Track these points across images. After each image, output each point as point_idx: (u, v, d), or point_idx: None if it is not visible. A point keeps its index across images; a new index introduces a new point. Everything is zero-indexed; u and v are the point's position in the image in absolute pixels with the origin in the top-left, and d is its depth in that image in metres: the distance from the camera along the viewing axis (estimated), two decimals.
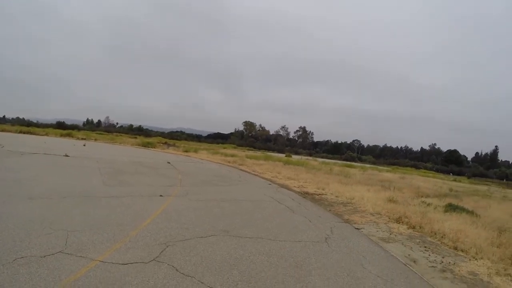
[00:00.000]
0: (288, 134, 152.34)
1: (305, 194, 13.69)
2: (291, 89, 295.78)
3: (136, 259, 4.84)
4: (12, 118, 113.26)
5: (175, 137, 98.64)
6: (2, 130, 45.46)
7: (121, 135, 69.45)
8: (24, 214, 6.51)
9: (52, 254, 4.68)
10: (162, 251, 5.24)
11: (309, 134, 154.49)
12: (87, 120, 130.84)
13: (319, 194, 14.11)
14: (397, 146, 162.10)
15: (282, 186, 15.92)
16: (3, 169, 11.86)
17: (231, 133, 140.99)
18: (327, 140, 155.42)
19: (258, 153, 51.45)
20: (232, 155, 36.78)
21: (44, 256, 4.57)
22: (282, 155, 56.78)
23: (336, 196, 13.77)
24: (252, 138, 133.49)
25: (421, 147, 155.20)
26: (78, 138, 44.41)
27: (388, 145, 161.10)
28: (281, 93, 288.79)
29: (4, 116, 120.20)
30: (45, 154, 18.83)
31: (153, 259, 4.89)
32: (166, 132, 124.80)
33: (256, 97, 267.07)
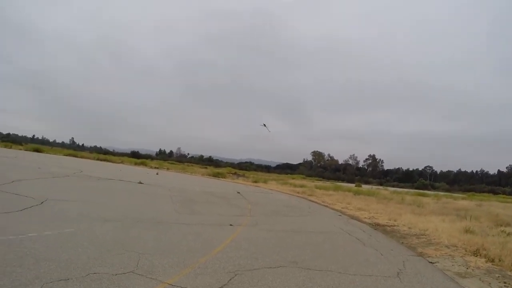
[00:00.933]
0: (357, 163, 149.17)
1: (376, 226, 13.37)
2: (358, 116, 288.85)
3: (204, 285, 4.79)
4: (90, 147, 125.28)
5: (244, 167, 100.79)
6: (81, 157, 50.48)
7: (192, 165, 73.00)
8: (98, 234, 6.96)
9: (123, 273, 4.83)
10: (230, 279, 5.15)
11: (378, 162, 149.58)
12: (160, 150, 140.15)
13: (391, 225, 13.72)
14: (472, 170, 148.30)
15: (353, 217, 15.53)
16: (81, 192, 13.00)
17: (300, 163, 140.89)
18: (398, 168, 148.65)
19: (328, 184, 50.47)
20: (301, 186, 36.72)
21: (116, 275, 4.72)
22: (352, 185, 54.91)
23: (409, 228, 13.22)
24: (321, 168, 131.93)
25: (498, 170, 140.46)
26: (151, 167, 47.58)
27: (463, 169, 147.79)
28: (348, 121, 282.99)
29: (83, 144, 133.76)
30: (120, 180, 20.34)
31: (221, 287, 4.82)
32: (235, 162, 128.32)
33: (323, 126, 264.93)
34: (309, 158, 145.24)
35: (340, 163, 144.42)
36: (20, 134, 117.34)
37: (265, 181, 40.15)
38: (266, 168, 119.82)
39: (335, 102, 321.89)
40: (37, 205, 9.17)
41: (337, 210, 17.80)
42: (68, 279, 4.38)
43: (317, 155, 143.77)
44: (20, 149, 51.16)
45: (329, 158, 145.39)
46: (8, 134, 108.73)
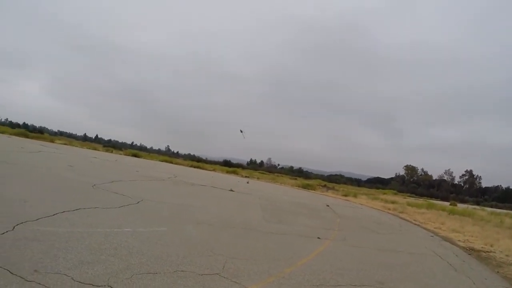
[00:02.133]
0: (452, 179, 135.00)
1: (470, 250, 12.25)
2: (454, 127, 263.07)
3: None
4: (184, 154, 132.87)
5: (334, 180, 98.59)
6: (176, 163, 54.17)
7: (281, 176, 73.56)
8: (189, 235, 7.38)
9: (209, 274, 5.01)
10: None
11: (476, 178, 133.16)
12: (251, 160, 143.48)
13: (487, 251, 12.40)
14: None
15: (445, 239, 14.31)
16: (175, 195, 13.93)
17: (392, 178, 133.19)
18: (497, 186, 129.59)
19: (420, 201, 46.65)
20: (393, 202, 34.96)
21: (202, 275, 4.92)
22: (446, 203, 49.85)
23: (506, 255, 11.82)
24: (414, 184, 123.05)
25: None
26: (242, 176, 49.07)
27: None
28: (443, 132, 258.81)
29: (177, 152, 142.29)
30: (212, 187, 21.34)
31: None
32: (325, 175, 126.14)
33: (416, 138, 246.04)
34: (401, 172, 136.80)
35: (434, 178, 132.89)
36: (120, 141, 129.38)
37: (355, 195, 38.94)
38: (356, 182, 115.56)
39: (429, 112, 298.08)
40: (133, 204, 10.04)
41: (429, 230, 16.63)
42: (156, 273, 4.70)
43: (409, 169, 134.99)
44: (120, 154, 56.57)
45: (423, 173, 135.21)
46: (110, 140, 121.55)
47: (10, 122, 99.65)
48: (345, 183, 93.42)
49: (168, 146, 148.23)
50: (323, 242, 9.27)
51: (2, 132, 47.86)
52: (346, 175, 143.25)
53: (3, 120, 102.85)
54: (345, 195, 38.35)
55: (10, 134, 48.26)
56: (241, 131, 44.43)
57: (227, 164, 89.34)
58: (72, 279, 4.06)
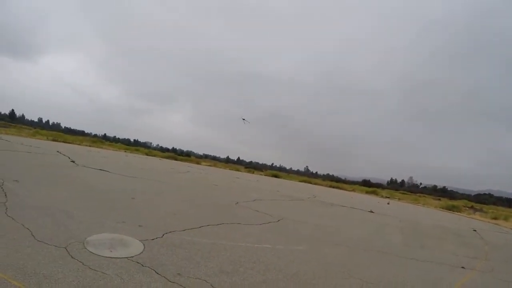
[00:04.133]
0: None
1: None
2: None
3: None
4: (323, 174, 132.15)
5: (482, 200, 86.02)
6: (315, 184, 54.76)
7: (424, 196, 67.78)
8: (326, 256, 7.61)
9: None
10: None
11: None
12: (391, 179, 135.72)
13: None
14: None
15: None
16: (314, 215, 14.38)
17: None
18: None
19: None
20: None
21: None
22: None
23: None
24: None
25: None
26: (382, 196, 47.02)
27: None
28: None
29: (316, 172, 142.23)
30: (351, 207, 21.14)
31: None
32: (472, 194, 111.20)
33: None
34: None
35: None
36: (260, 162, 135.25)
37: (506, 218, 33.51)
38: (508, 202, 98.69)
39: None
40: (273, 222, 10.80)
41: None
42: None
43: None
44: (261, 174, 59.58)
45: None
46: (251, 162, 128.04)
47: (161, 147, 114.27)
48: (495, 204, 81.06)
49: (307, 166, 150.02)
50: (468, 273, 8.43)
51: (154, 155, 55.28)
52: (496, 194, 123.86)
53: (154, 145, 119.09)
54: (495, 218, 33.43)
55: (161, 157, 55.54)
56: (243, 120, 43.97)
57: (366, 184, 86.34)
58: (211, 285, 4.67)
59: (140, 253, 5.41)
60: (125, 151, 52.19)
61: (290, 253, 7.20)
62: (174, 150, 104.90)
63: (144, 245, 5.85)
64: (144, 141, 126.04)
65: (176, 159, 56.72)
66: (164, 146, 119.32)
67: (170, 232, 7.06)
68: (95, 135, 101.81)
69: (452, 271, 8.41)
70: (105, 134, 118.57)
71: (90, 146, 47.09)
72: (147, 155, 55.26)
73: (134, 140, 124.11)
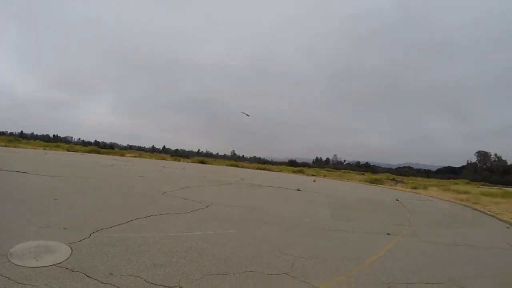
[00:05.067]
0: None
1: None
2: None
3: None
4: (250, 157, 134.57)
5: (403, 173, 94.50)
6: (242, 167, 55.62)
7: (348, 172, 72.10)
8: (257, 236, 7.54)
9: (278, 274, 5.11)
10: None
11: None
12: (316, 158, 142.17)
13: None
14: None
15: None
16: (243, 198, 14.38)
17: (463, 167, 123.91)
18: None
19: (495, 189, 42.70)
20: (465, 192, 32.50)
21: (270, 274, 5.04)
22: None
23: None
24: (487, 171, 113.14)
25: None
26: (308, 175, 48.98)
27: None
28: None
29: (243, 156, 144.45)
30: (279, 187, 21.57)
31: None
32: (393, 168, 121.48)
33: (488, 122, 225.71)
34: (473, 159, 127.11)
35: (509, 164, 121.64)
36: (187, 149, 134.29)
37: (425, 188, 37.01)
38: (425, 173, 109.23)
39: (500, 91, 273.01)
40: (202, 208, 10.54)
41: (505, 222, 15.17)
42: (226, 274, 4.91)
43: (482, 155, 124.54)
44: (188, 162, 59.14)
45: (496, 159, 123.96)
46: (177, 150, 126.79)
47: (83, 141, 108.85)
48: (414, 175, 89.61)
49: (233, 151, 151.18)
50: (393, 239, 8.95)
51: (75, 151, 52.37)
52: (415, 167, 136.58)
53: (75, 140, 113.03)
54: (415, 188, 36.70)
55: (84, 152, 52.84)
56: (245, 113, 46.71)
57: (292, 164, 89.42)
58: (145, 281, 4.38)
59: (68, 258, 4.88)
60: (45, 149, 48.92)
61: (222, 238, 7.04)
62: (96, 143, 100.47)
63: (71, 248, 5.28)
64: (64, 136, 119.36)
65: (99, 153, 54.48)
66: (86, 139, 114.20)
67: (98, 231, 6.48)
68: (12, 134, 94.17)
69: (378, 239, 8.85)
70: (21, 131, 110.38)
71: (6, 146, 43.21)
72: (69, 150, 52.48)
73: (54, 135, 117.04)
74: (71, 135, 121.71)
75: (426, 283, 5.56)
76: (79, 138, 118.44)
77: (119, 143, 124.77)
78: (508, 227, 13.57)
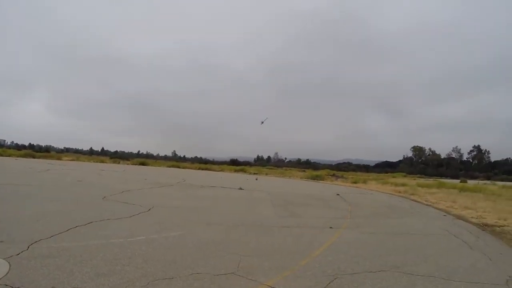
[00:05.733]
0: (461, 156, 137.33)
1: (484, 226, 12.12)
2: (459, 103, 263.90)
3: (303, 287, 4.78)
4: (192, 158, 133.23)
5: (343, 168, 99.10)
6: (184, 168, 54.77)
7: (290, 169, 73.99)
8: (202, 238, 7.39)
9: (225, 274, 5.04)
10: (329, 283, 5.03)
11: (484, 153, 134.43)
12: (258, 156, 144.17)
13: (501, 225, 12.27)
14: None
15: (458, 217, 14.27)
16: (185, 199, 14.15)
17: (400, 161, 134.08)
18: (507, 159, 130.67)
19: (430, 181, 46.48)
20: (403, 184, 35.23)
21: (217, 275, 4.95)
22: (456, 181, 49.62)
23: None
24: (423, 164, 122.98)
25: None
26: (250, 173, 49.40)
27: None
28: (448, 110, 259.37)
29: (184, 156, 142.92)
30: (221, 187, 21.50)
31: None
32: (333, 164, 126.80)
33: (422, 118, 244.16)
34: (409, 154, 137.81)
35: (442, 157, 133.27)
36: (126, 151, 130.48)
37: (364, 182, 39.09)
38: (365, 168, 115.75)
39: (432, 91, 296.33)
40: (144, 212, 10.16)
41: (441, 210, 16.59)
42: (172, 278, 4.75)
43: (417, 150, 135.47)
44: (128, 164, 57.28)
45: (431, 153, 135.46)
46: (116, 152, 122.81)
47: (16, 144, 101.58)
48: (354, 170, 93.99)
49: (174, 151, 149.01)
50: (336, 232, 9.27)
51: (9, 155, 48.69)
52: (355, 162, 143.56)
53: (8, 143, 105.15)
54: (355, 182, 38.50)
55: (17, 156, 49.35)
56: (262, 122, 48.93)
57: (234, 163, 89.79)
58: None
59: (7, 273, 4.39)
60: None
61: (166, 241, 6.82)
62: (31, 147, 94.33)
63: (9, 263, 4.78)
64: None
65: (34, 157, 51.37)
66: (20, 143, 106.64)
67: (36, 242, 5.94)
68: None
69: (322, 232, 9.12)
70: None
71: None
72: (1, 155, 48.99)
73: None
74: (4, 138, 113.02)
75: (371, 272, 5.79)
76: (13, 142, 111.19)
77: (55, 146, 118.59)
78: (444, 215, 14.64)
